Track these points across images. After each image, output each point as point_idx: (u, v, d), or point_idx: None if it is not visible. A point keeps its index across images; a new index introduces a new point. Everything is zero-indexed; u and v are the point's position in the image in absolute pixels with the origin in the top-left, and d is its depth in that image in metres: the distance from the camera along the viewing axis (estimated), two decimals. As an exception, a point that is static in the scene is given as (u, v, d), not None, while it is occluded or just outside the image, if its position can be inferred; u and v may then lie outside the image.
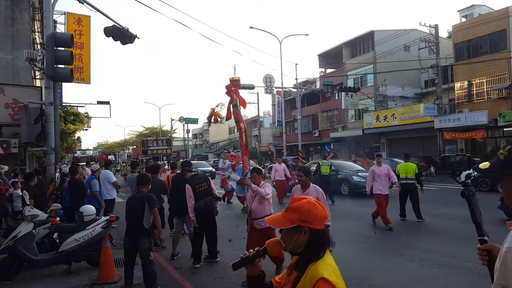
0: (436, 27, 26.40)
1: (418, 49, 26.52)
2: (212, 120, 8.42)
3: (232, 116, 6.20)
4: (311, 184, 5.53)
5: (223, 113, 7.70)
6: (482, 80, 25.03)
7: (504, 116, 22.60)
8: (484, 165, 2.12)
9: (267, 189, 5.67)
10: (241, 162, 12.05)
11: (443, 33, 33.34)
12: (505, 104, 23.59)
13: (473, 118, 24.13)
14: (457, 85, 26.76)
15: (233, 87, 5.96)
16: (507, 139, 23.61)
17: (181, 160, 20.63)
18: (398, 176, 10.24)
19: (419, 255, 6.68)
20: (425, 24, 26.33)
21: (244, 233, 6.85)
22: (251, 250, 1.83)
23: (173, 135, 44.99)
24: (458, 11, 30.39)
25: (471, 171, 1.88)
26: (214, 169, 30.18)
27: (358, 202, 14.13)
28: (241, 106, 6.23)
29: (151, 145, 26.09)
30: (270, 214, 5.27)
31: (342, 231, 9.07)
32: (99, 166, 10.74)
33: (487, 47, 24.89)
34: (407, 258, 6.59)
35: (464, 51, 26.38)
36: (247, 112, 61.70)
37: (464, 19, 28.60)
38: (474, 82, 25.62)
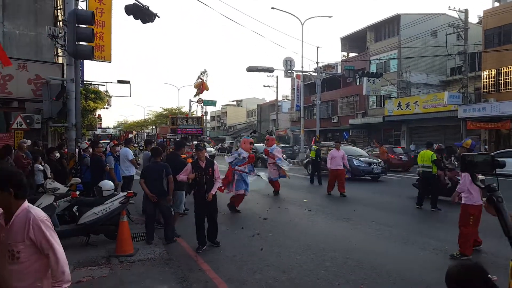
0: (466, 11, 25.40)
1: (445, 35, 25.63)
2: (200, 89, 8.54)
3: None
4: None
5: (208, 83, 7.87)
6: (511, 69, 24.10)
7: (532, 107, 21.81)
8: (467, 143, 1.90)
9: None
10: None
11: (473, 19, 32.11)
12: (534, 94, 22.73)
13: (499, 109, 23.32)
14: (485, 73, 25.87)
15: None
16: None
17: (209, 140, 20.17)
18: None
19: (432, 244, 6.61)
20: (454, 8, 25.35)
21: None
22: None
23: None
24: (490, -5, 29.17)
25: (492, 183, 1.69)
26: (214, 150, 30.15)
27: (364, 187, 14.03)
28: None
29: (181, 123, 23.90)
30: None
31: (354, 216, 9.06)
32: (113, 144, 10.91)
33: (519, 34, 23.87)
34: (420, 246, 6.53)
35: (494, 38, 25.39)
36: (266, 96, 61.43)
37: (497, 4, 27.39)
38: (502, 71, 24.71)
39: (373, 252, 6.22)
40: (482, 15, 27.13)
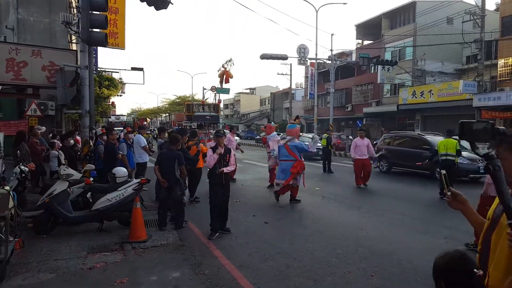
0: (483, -2, 24.71)
1: (461, 22, 24.97)
2: (224, 79, 8.50)
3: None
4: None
5: (233, 72, 7.81)
6: (529, 57, 23.49)
7: (550, 96, 21.26)
8: None
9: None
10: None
11: (490, 6, 31.30)
12: (553, 83, 22.15)
13: (515, 97, 22.81)
14: (501, 62, 25.25)
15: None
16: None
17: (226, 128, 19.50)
18: (436, 152, 10.07)
19: (444, 233, 6.57)
20: (471, -5, 24.70)
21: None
22: None
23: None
24: (509, -19, 28.26)
25: (490, 148, 1.61)
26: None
27: (376, 176, 13.92)
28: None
29: (197, 110, 22.97)
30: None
31: (367, 204, 9.03)
32: (126, 131, 10.97)
33: (538, 22, 23.18)
34: (432, 235, 6.50)
35: (511, 26, 24.69)
36: (279, 84, 61.16)
37: (515, -10, 26.57)
38: (519, 59, 24.08)
39: (384, 240, 6.20)
40: (499, 2, 26.34)
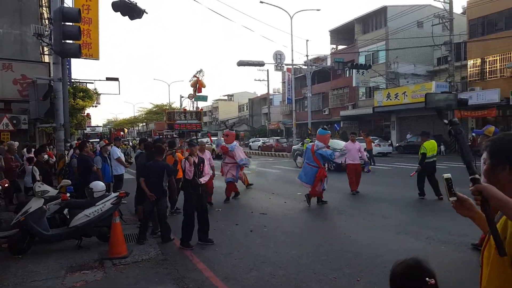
0: (450, 2, 25.58)
1: (431, 26, 25.78)
2: (197, 88, 8.47)
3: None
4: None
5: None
6: (495, 58, 24.40)
7: (517, 95, 22.11)
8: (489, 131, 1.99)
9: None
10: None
11: (457, 9, 32.46)
12: (518, 82, 23.05)
13: (485, 97, 23.67)
14: (470, 62, 26.15)
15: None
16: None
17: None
18: (424, 155, 9.72)
19: (426, 233, 6.67)
20: (439, -1, 25.51)
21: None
22: None
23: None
24: (474, -15, 29.33)
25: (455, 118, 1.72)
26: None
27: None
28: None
29: (178, 118, 21.91)
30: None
31: (348, 208, 9.11)
32: (104, 143, 10.74)
33: (502, 24, 24.15)
34: (414, 235, 6.59)
35: (478, 28, 25.63)
36: (257, 90, 61.40)
37: (480, -6, 27.61)
38: (487, 60, 24.99)
39: (368, 243, 6.25)
40: (466, 5, 27.32)
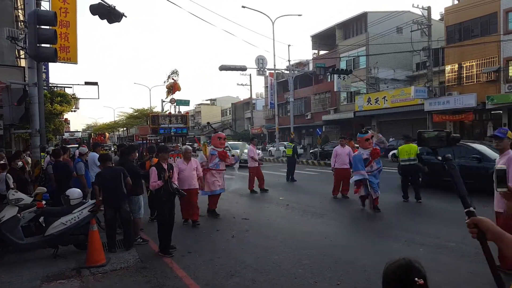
0: (428, 9, 26.17)
1: (410, 31, 26.32)
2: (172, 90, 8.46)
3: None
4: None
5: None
6: (472, 63, 25.05)
7: (492, 99, 22.69)
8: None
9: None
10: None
11: (435, 16, 33.13)
12: (493, 87, 23.69)
13: (462, 101, 24.24)
14: (448, 68, 26.77)
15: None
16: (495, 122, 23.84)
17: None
18: (397, 157, 10.20)
19: (405, 236, 6.74)
20: (418, 6, 26.06)
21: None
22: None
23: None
24: (451, -7, 30.11)
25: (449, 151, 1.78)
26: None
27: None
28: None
29: (163, 122, 20.34)
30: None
31: (329, 211, 9.14)
32: (87, 149, 10.53)
33: (478, 30, 24.81)
34: (393, 239, 6.65)
35: (455, 34, 26.28)
36: (240, 94, 61.46)
37: (456, 1, 28.37)
38: (464, 65, 25.63)
39: (348, 247, 6.29)
40: (443, 12, 28.00)
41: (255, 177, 12.76)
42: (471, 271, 4.81)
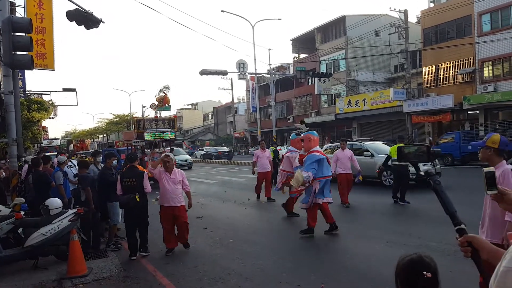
0: (405, 12, 26.74)
1: (388, 34, 26.84)
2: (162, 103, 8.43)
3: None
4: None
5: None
6: (448, 65, 25.71)
7: (468, 100, 23.34)
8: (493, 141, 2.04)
9: None
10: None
11: (412, 18, 33.86)
12: (469, 88, 24.36)
13: (439, 102, 24.84)
14: (425, 69, 27.39)
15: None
16: (471, 122, 24.49)
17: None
18: (389, 157, 10.26)
19: (386, 237, 6.84)
20: (395, 9, 26.64)
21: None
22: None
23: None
24: (426, -4, 30.87)
25: (430, 165, 1.78)
26: (191, 158, 29.40)
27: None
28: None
29: (149, 126, 19.60)
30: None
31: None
32: (66, 158, 10.30)
33: (454, 32, 25.51)
34: (375, 240, 6.73)
35: (432, 36, 26.93)
36: (222, 98, 61.37)
37: (432, 4, 29.09)
38: (441, 67, 26.28)
39: (331, 250, 6.35)
40: (420, 15, 28.67)
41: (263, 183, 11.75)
42: (451, 269, 4.91)
